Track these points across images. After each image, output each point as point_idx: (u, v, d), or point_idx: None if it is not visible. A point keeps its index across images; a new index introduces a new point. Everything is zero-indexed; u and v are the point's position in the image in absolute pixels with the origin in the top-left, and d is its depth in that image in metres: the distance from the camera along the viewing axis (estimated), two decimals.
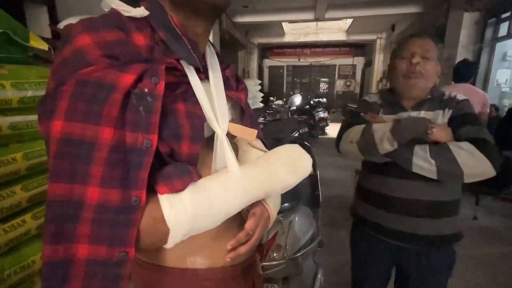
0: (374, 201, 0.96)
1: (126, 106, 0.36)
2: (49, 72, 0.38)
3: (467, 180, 0.79)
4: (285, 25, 8.74)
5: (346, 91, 11.36)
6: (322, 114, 6.92)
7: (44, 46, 1.26)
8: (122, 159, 0.36)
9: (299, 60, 11.42)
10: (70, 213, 0.35)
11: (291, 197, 1.53)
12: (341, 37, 9.41)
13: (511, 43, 3.95)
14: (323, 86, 11.91)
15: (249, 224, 0.48)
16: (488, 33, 4.03)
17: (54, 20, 2.19)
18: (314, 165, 2.07)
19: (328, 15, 6.27)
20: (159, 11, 0.45)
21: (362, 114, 0.94)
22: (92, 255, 0.36)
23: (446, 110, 0.89)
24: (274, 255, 1.14)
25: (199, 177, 0.43)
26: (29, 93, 1.02)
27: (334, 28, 9.29)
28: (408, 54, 0.88)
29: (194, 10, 0.45)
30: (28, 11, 2.23)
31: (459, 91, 2.55)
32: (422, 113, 0.91)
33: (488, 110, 2.43)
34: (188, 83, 0.45)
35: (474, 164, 0.77)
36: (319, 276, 1.42)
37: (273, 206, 0.54)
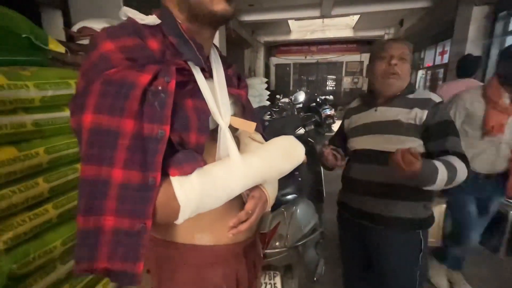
0: (345, 184, 1.09)
1: (144, 101, 0.43)
2: (76, 75, 0.46)
3: None
4: (291, 23, 8.72)
5: (353, 88, 11.26)
6: (328, 112, 6.91)
7: (61, 49, 1.36)
8: (141, 146, 0.43)
9: (305, 57, 11.37)
10: (99, 190, 0.42)
11: (295, 190, 1.59)
12: (348, 33, 9.32)
13: None
14: (330, 83, 11.83)
15: (248, 205, 0.55)
16: (498, 27, 3.95)
17: (68, 23, 2.30)
18: (317, 162, 2.11)
19: (335, 12, 6.24)
20: (169, 19, 0.52)
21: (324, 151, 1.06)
22: (117, 226, 0.43)
23: (420, 110, 0.92)
24: (276, 243, 1.21)
25: (205, 163, 0.50)
26: (50, 93, 1.12)
27: (341, 25, 9.20)
28: (387, 56, 0.94)
29: (203, 20, 0.52)
30: (44, 15, 2.36)
31: (462, 86, 2.55)
32: (394, 110, 0.96)
33: None
34: (195, 81, 0.52)
35: (461, 179, 0.85)
36: (321, 265, 1.47)
37: (271, 191, 0.60)
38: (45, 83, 1.11)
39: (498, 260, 1.97)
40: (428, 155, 0.92)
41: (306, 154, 1.96)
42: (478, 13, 4.00)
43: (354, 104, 1.14)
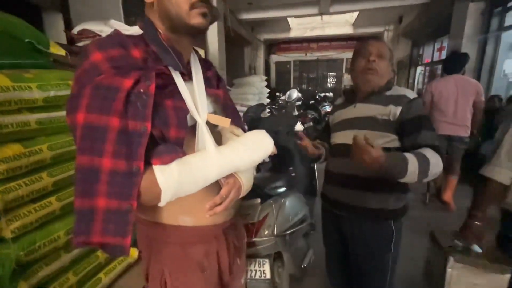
0: (325, 177, 1.15)
1: (128, 102, 0.51)
2: (73, 78, 0.54)
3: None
4: (290, 20, 8.74)
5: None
6: (328, 109, 6.94)
7: (62, 52, 1.44)
8: (126, 140, 0.51)
9: (305, 55, 11.37)
10: (92, 176, 0.50)
11: (285, 184, 1.67)
12: (347, 30, 9.31)
13: None
14: (330, 80, 11.84)
15: (223, 190, 0.63)
16: (494, 23, 3.96)
17: (69, 25, 2.38)
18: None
19: (333, 9, 6.26)
20: (150, 29, 0.61)
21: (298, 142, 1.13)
22: (108, 206, 0.51)
23: (394, 106, 0.95)
24: (266, 232, 1.28)
25: (184, 154, 0.58)
26: (52, 93, 1.20)
27: (341, 22, 9.20)
28: (366, 53, 0.99)
29: (181, 31, 0.61)
30: (46, 18, 2.44)
31: (451, 82, 2.58)
32: (370, 106, 1.00)
33: (482, 98, 2.46)
34: (175, 84, 0.60)
35: (436, 172, 0.88)
36: (309, 255, 1.55)
37: (245, 178, 0.68)
38: (47, 84, 1.19)
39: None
40: (404, 151, 0.92)
41: (299, 149, 2.00)
42: (474, 9, 4.02)
43: (339, 100, 1.20)
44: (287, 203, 1.42)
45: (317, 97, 7.33)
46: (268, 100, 6.52)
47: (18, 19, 1.19)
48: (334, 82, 11.78)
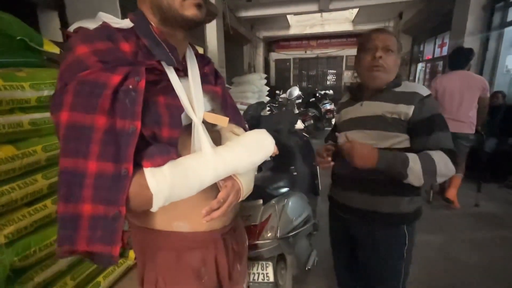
0: (333, 179, 1.10)
1: (116, 100, 0.47)
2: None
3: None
4: (290, 18, 8.68)
5: (354, 83, 11.15)
6: (328, 106, 6.90)
7: (56, 50, 1.39)
8: (114, 140, 0.47)
9: (305, 52, 11.31)
10: (76, 180, 0.46)
11: (288, 184, 1.63)
12: (347, 27, 9.25)
13: None
14: (330, 78, 11.78)
15: (220, 194, 0.59)
16: (496, 18, 3.91)
17: (65, 23, 2.33)
18: (314, 155, 2.14)
19: (333, 5, 6.20)
20: (142, 22, 0.56)
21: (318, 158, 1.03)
22: (94, 212, 0.47)
23: (406, 105, 0.88)
24: (268, 235, 1.24)
25: (178, 156, 0.54)
26: (45, 93, 1.16)
27: (340, 19, 9.13)
28: (372, 47, 0.92)
29: (175, 24, 0.56)
30: (41, 16, 2.39)
31: (455, 78, 2.52)
32: (378, 104, 0.93)
33: (488, 95, 2.41)
34: (168, 80, 0.56)
35: (446, 174, 0.83)
36: (313, 256, 1.51)
37: (244, 181, 0.64)
38: (40, 83, 1.15)
39: (492, 248, 1.99)
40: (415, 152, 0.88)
41: (301, 148, 1.96)
42: (475, 4, 3.96)
43: (345, 98, 1.13)
44: (290, 203, 1.38)
45: (317, 94, 7.29)
46: (268, 98, 6.49)
47: (10, 16, 1.15)
48: (334, 80, 11.73)
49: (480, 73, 4.02)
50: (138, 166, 0.49)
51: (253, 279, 1.24)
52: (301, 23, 9.46)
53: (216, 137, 0.69)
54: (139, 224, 0.63)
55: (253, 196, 1.19)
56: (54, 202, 1.22)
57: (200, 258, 0.64)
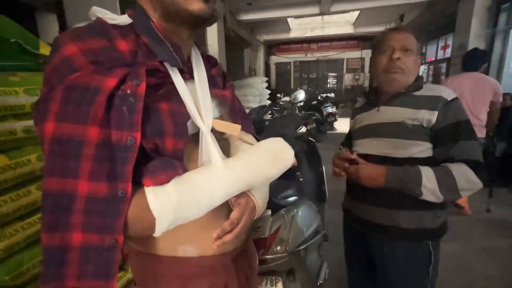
0: (348, 190, 1.02)
1: (111, 107, 0.40)
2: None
3: None
4: (290, 21, 8.66)
5: (355, 85, 11.16)
6: (330, 109, 6.86)
7: None
8: (109, 155, 0.39)
9: (306, 55, 11.30)
10: (64, 204, 0.38)
11: (296, 192, 1.55)
12: (348, 30, 9.24)
13: None
14: (331, 81, 11.75)
15: (234, 214, 0.51)
16: (502, 19, 3.87)
17: (63, 27, 2.28)
18: (320, 160, 2.07)
19: (334, 8, 6.18)
20: (142, 18, 0.48)
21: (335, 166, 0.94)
22: (85, 242, 0.40)
23: (428, 111, 0.81)
24: (278, 248, 1.17)
25: (184, 170, 0.46)
26: None
27: (341, 21, 9.13)
28: (388, 48, 0.84)
29: (178, 20, 0.48)
30: (39, 19, 2.34)
31: (469, 80, 2.46)
32: (397, 110, 0.85)
33: (500, 99, 2.35)
34: (172, 83, 0.48)
35: (470, 188, 0.78)
36: (324, 269, 1.43)
37: (259, 197, 0.56)
38: (35, 88, 1.07)
39: (506, 256, 1.92)
40: (437, 163, 0.81)
41: (307, 153, 1.89)
42: (480, 5, 3.92)
43: (360, 103, 1.05)
44: (299, 213, 1.30)
45: (319, 97, 7.24)
46: (269, 102, 6.44)
47: (3, 17, 1.08)
48: (334, 83, 11.70)
49: (486, 75, 3.96)
50: (137, 185, 0.42)
51: None
52: (301, 26, 9.46)
53: (225, 146, 0.61)
54: (139, 249, 0.55)
55: None
56: None
57: (208, 285, 0.56)
